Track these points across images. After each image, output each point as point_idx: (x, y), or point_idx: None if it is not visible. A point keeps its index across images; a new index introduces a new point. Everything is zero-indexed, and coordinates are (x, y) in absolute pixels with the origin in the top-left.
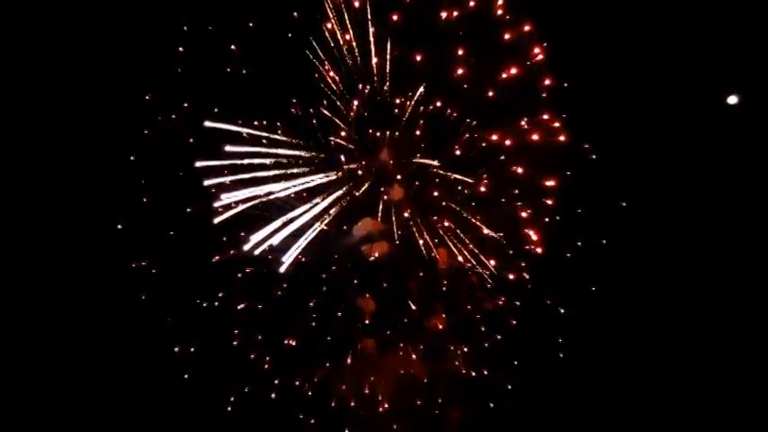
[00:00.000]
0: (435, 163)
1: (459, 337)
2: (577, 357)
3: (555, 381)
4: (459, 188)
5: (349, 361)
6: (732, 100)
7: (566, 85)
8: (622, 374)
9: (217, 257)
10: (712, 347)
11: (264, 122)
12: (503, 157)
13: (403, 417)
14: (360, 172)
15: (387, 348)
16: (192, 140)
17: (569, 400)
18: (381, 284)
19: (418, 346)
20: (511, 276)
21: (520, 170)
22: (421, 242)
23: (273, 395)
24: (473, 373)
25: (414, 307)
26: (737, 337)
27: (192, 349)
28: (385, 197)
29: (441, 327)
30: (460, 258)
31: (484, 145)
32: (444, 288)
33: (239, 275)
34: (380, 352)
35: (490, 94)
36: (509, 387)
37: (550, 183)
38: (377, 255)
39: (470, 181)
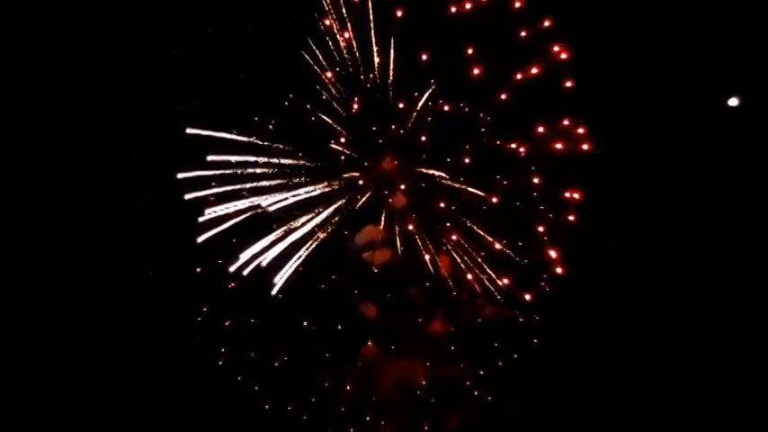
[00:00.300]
0: (442, 174)
1: (461, 345)
2: (583, 369)
3: (557, 389)
4: (469, 199)
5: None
6: (733, 102)
7: (584, 88)
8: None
9: (213, 267)
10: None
11: (259, 129)
12: (518, 166)
13: (402, 423)
14: (361, 182)
15: (388, 354)
16: (180, 147)
17: (573, 410)
18: (383, 291)
19: (419, 352)
20: (528, 297)
21: (536, 180)
22: (423, 249)
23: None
24: (476, 387)
25: (415, 313)
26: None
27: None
28: (390, 200)
29: (442, 333)
30: (470, 276)
31: (497, 152)
32: (447, 295)
33: (232, 286)
34: (382, 358)
35: (503, 96)
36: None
37: (574, 195)
38: (379, 262)
39: (480, 194)
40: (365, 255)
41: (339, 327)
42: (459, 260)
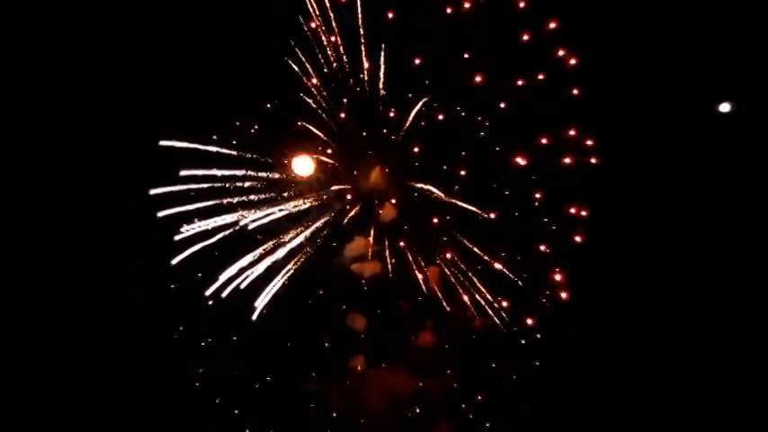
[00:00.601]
0: (431, 188)
1: (449, 357)
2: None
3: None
4: (465, 214)
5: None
6: (725, 107)
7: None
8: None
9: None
10: None
11: (241, 140)
12: (518, 180)
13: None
14: (349, 195)
15: (377, 366)
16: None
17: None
18: (372, 304)
19: (408, 364)
20: (529, 321)
21: (538, 195)
22: (413, 262)
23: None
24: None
25: (404, 326)
26: None
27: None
28: (380, 212)
29: (431, 345)
30: (465, 298)
31: (496, 164)
32: (437, 307)
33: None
34: (370, 368)
35: (503, 105)
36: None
37: (581, 213)
38: (368, 275)
39: (476, 210)
40: (354, 267)
41: (327, 339)
42: (453, 280)
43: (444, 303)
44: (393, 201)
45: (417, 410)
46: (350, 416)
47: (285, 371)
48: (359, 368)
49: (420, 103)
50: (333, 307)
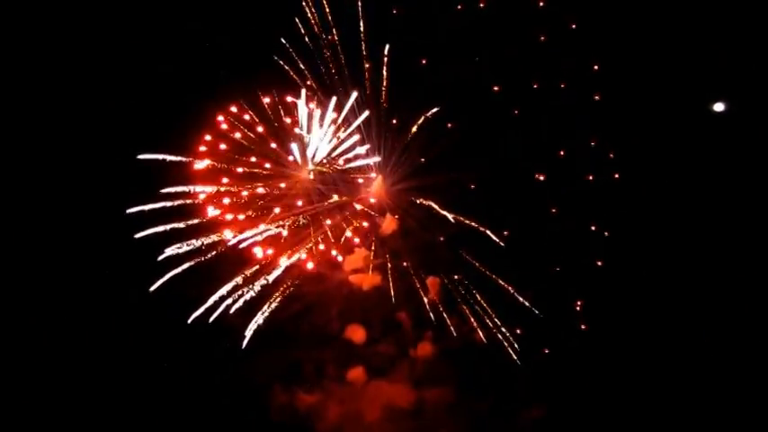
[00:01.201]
0: (434, 206)
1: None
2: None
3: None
4: (473, 230)
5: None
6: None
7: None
8: None
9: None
10: None
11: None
12: (534, 195)
13: None
14: (349, 206)
15: (375, 375)
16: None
17: None
18: (371, 315)
19: (407, 375)
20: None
21: (554, 210)
22: (413, 273)
23: None
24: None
25: (403, 337)
26: None
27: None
28: (380, 225)
29: (430, 355)
30: (474, 323)
31: (507, 177)
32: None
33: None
34: (369, 379)
35: (516, 112)
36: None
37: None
38: (368, 286)
39: (484, 229)
40: (353, 278)
41: (327, 350)
42: (458, 298)
43: (445, 315)
44: (396, 216)
45: (416, 422)
46: (348, 428)
47: (283, 383)
48: (358, 380)
49: (429, 114)
50: (332, 318)
